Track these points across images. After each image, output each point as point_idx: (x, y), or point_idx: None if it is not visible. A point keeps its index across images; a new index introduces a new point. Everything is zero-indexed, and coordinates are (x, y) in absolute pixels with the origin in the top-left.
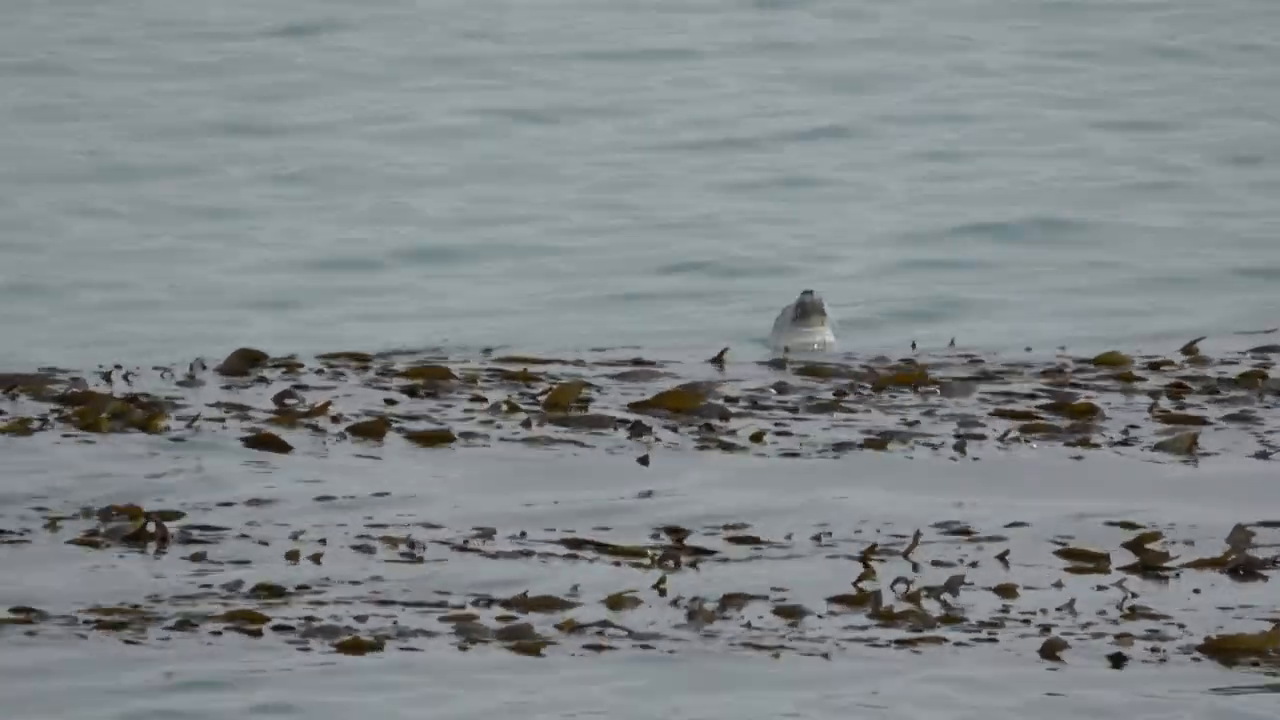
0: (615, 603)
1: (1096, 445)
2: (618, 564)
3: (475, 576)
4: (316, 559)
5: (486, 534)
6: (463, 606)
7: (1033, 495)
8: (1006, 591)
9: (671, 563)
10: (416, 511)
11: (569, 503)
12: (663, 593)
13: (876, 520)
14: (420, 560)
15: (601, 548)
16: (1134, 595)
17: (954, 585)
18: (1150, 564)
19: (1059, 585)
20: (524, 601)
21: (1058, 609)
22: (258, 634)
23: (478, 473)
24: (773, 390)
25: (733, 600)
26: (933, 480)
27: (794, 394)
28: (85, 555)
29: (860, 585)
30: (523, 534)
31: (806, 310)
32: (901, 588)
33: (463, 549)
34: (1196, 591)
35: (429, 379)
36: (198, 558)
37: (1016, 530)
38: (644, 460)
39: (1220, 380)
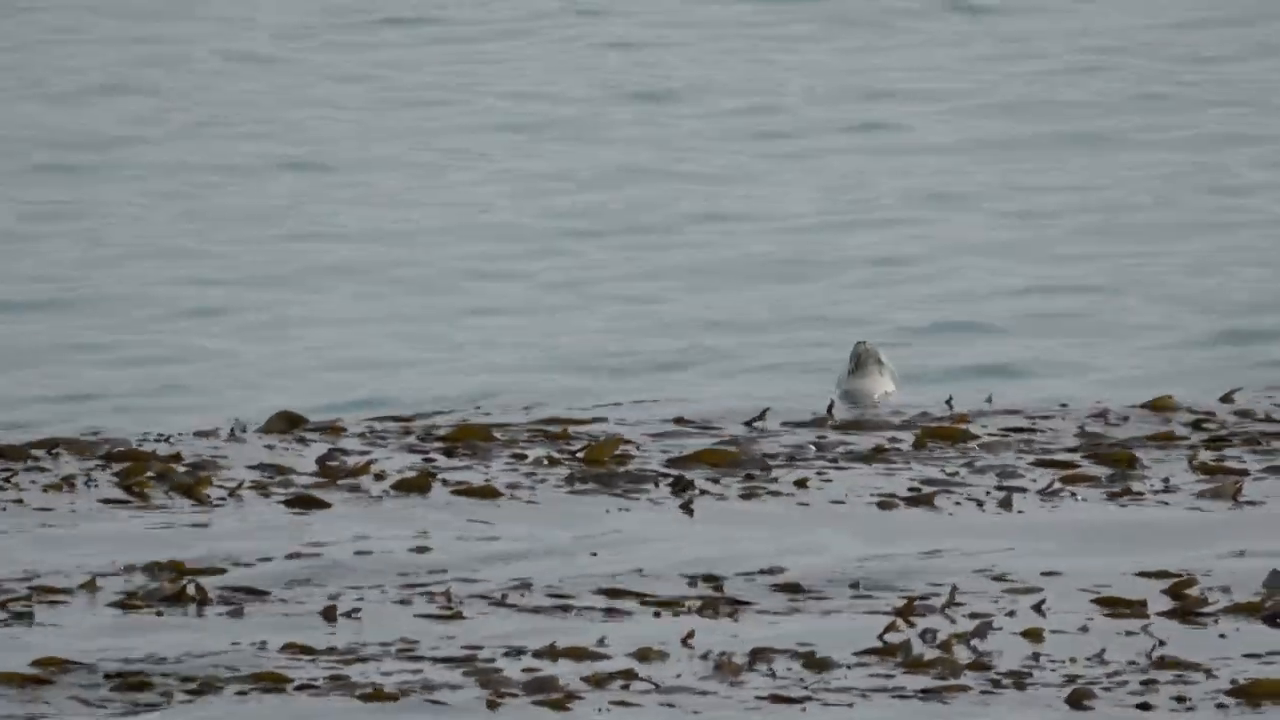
0: (643, 655)
1: (1139, 494)
2: (657, 614)
3: (506, 628)
4: (351, 615)
5: (524, 586)
6: (492, 659)
7: (1072, 544)
8: (1034, 638)
9: (710, 612)
10: (456, 566)
11: (609, 553)
12: (690, 645)
13: (915, 572)
14: (457, 615)
15: (638, 598)
16: (1162, 643)
17: (982, 632)
18: (1187, 610)
19: (1084, 630)
20: (553, 652)
21: (1087, 658)
22: (281, 693)
23: (520, 527)
24: (812, 447)
25: (760, 654)
26: (972, 531)
27: (834, 450)
28: (122, 615)
29: (888, 637)
30: (560, 581)
31: (861, 360)
32: (930, 638)
33: (500, 603)
34: (1223, 636)
35: (468, 440)
36: (235, 615)
37: (1053, 579)
38: (688, 509)
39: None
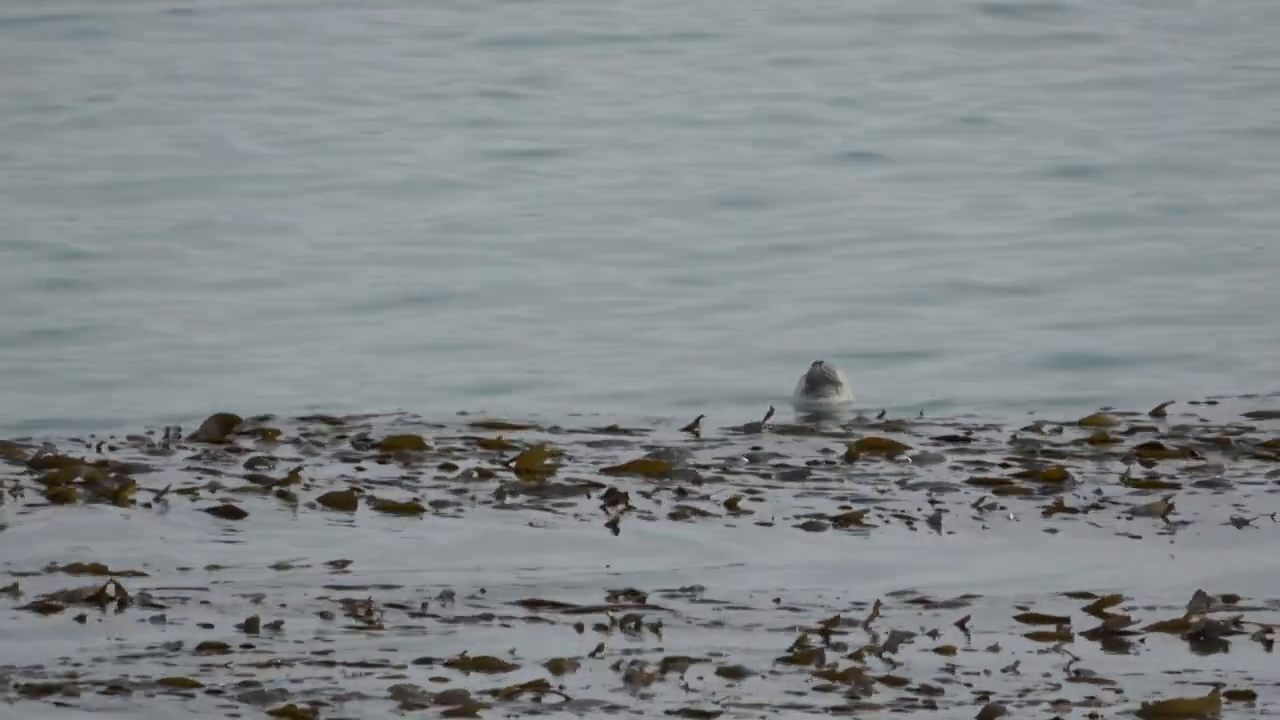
0: (556, 667)
1: (1071, 510)
2: (579, 627)
3: (426, 639)
4: (274, 626)
5: (446, 597)
6: (404, 666)
7: (1001, 560)
8: (949, 654)
9: (632, 624)
10: (378, 576)
11: (534, 565)
12: (601, 656)
13: (841, 589)
14: (376, 625)
15: (558, 608)
16: (1076, 660)
17: (894, 645)
18: (1110, 629)
19: (995, 649)
20: (464, 663)
21: (1002, 671)
22: (190, 697)
23: (447, 539)
24: (745, 459)
25: (674, 663)
26: (901, 546)
27: (766, 462)
28: (41, 618)
29: (802, 647)
30: (482, 591)
31: (815, 382)
32: (842, 649)
33: (421, 614)
34: (1135, 655)
35: (399, 450)
36: (155, 620)
37: (977, 597)
38: (614, 525)
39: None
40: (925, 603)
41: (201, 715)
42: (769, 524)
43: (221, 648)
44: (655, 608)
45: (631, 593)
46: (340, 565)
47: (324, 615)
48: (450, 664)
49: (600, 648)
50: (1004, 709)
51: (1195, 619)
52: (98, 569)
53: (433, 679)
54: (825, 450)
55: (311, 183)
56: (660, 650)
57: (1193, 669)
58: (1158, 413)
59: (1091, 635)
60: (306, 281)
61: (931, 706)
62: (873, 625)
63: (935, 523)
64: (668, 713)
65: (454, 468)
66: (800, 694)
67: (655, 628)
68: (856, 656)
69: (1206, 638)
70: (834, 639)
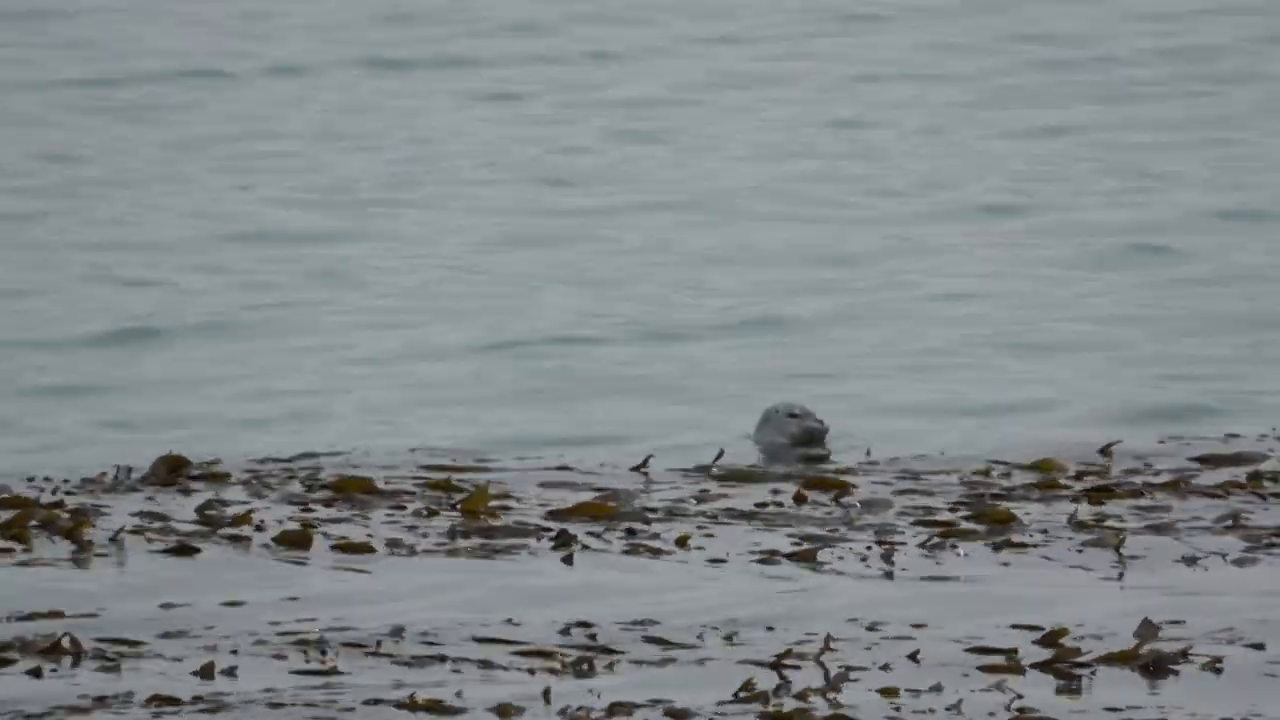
0: (504, 712)
1: (1020, 546)
2: (531, 671)
3: (381, 679)
4: (227, 671)
5: (396, 634)
6: (352, 708)
7: (953, 597)
8: (892, 694)
9: (585, 665)
10: (331, 616)
11: (484, 605)
12: (549, 701)
13: (792, 621)
14: (328, 665)
15: (509, 645)
16: (1019, 696)
17: (838, 684)
18: (1059, 659)
19: (937, 689)
20: (412, 704)
21: (947, 709)
22: None
23: (398, 579)
24: (693, 500)
25: (620, 708)
26: (852, 585)
27: (715, 501)
28: None
29: (750, 688)
30: (433, 631)
31: (814, 439)
32: (786, 689)
33: (374, 653)
34: (1068, 694)
35: (350, 492)
36: (107, 669)
37: (927, 631)
38: (568, 560)
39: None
40: (876, 632)
41: None
42: (721, 560)
43: (172, 699)
44: (607, 650)
45: (583, 624)
46: (291, 600)
47: (277, 657)
48: (400, 705)
49: (548, 690)
50: None
51: (1145, 650)
52: (52, 615)
53: None
54: (775, 490)
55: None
56: (597, 693)
57: (1135, 705)
58: (1105, 452)
59: (1038, 667)
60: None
61: None
62: (822, 659)
63: (887, 559)
64: None
65: (403, 508)
66: None
67: (609, 666)
68: (802, 697)
69: (1156, 668)
70: (785, 676)
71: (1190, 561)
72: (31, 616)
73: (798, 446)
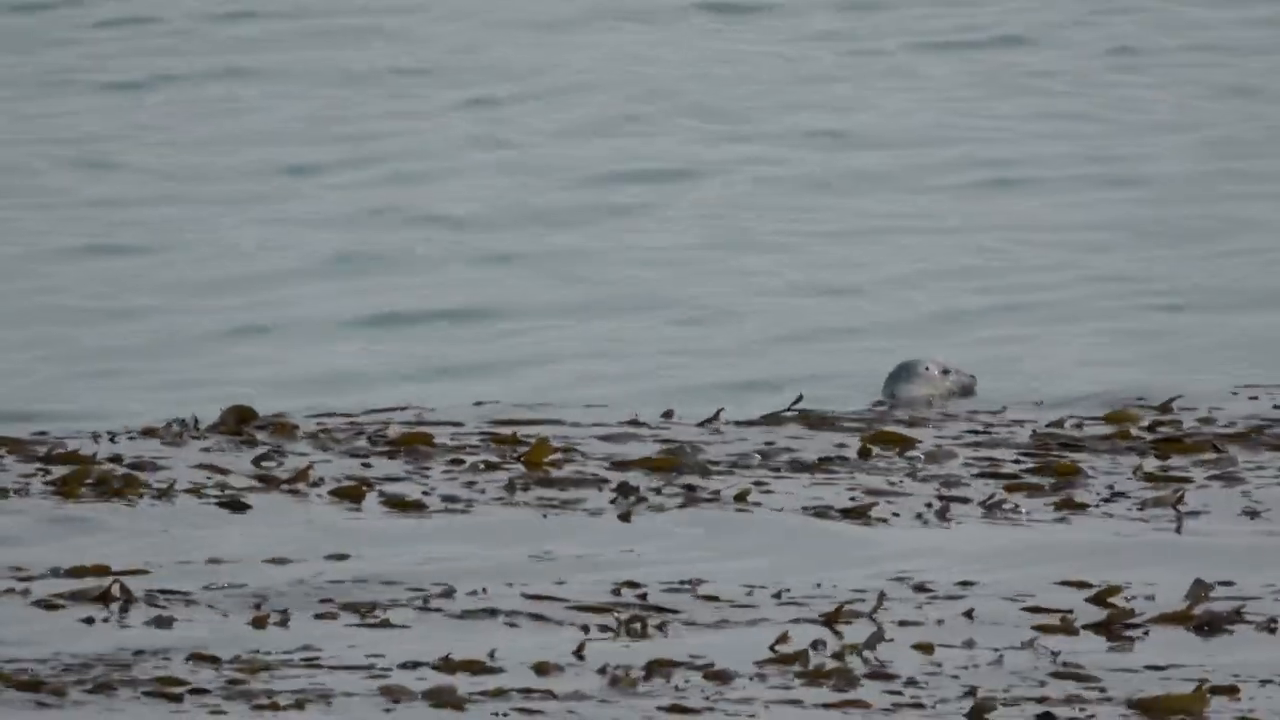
0: (542, 669)
1: (1082, 505)
2: (585, 628)
3: (428, 637)
4: (278, 621)
5: (448, 593)
6: (389, 670)
7: (1004, 553)
8: (929, 650)
9: (636, 625)
10: (381, 574)
11: (539, 560)
12: (582, 658)
13: (844, 578)
14: (383, 623)
15: (558, 602)
16: (1056, 655)
17: (873, 643)
18: (1112, 621)
19: (970, 644)
20: (449, 665)
21: (989, 664)
22: (179, 699)
23: (451, 535)
24: (757, 455)
25: (660, 665)
26: (908, 540)
27: (779, 456)
28: (44, 617)
29: (784, 646)
30: (484, 590)
31: (968, 392)
32: (821, 647)
33: (424, 609)
34: (1115, 651)
35: (411, 446)
36: (160, 621)
37: (977, 589)
38: (625, 517)
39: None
40: (927, 591)
41: (189, 715)
42: (779, 510)
43: (212, 658)
44: (658, 609)
45: (632, 584)
46: (340, 558)
47: (322, 617)
48: (436, 667)
49: (581, 646)
50: (994, 704)
51: (1199, 610)
52: (101, 570)
53: (418, 679)
54: (839, 445)
55: None
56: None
57: (1175, 664)
58: (1165, 408)
59: (1092, 627)
60: None
61: (918, 705)
62: (876, 616)
63: (943, 515)
64: (659, 709)
65: (462, 462)
66: (788, 689)
67: (661, 626)
68: (839, 657)
69: (1211, 628)
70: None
71: (1252, 515)
72: (76, 571)
73: (899, 383)
